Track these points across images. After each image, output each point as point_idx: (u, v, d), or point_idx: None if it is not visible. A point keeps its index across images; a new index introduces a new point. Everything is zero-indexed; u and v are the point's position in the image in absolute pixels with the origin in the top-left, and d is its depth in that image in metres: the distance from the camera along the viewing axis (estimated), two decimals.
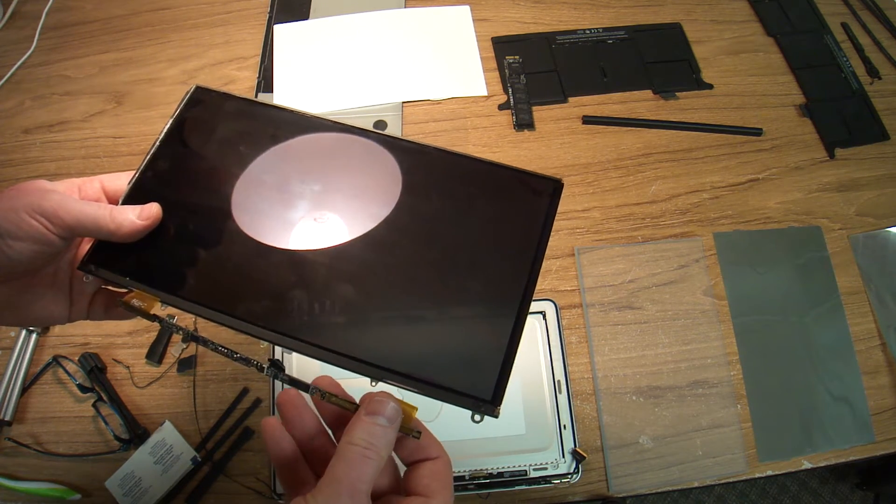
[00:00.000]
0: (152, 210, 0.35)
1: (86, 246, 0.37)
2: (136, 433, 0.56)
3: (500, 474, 0.55)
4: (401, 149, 0.39)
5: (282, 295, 0.34)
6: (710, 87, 0.75)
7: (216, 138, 0.39)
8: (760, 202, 0.68)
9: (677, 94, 0.75)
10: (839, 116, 0.74)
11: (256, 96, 0.74)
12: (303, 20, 0.79)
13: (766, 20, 0.81)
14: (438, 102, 0.73)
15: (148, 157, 0.37)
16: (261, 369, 0.33)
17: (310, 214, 0.36)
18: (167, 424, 0.56)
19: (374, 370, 0.31)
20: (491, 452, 0.56)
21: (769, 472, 0.57)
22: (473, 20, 0.79)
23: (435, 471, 0.31)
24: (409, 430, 0.31)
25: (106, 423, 0.56)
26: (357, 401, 0.32)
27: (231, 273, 0.35)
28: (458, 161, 0.38)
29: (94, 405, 0.56)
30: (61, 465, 0.56)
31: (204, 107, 0.40)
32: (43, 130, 0.72)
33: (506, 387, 0.30)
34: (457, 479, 0.54)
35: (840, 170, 0.71)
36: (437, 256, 0.34)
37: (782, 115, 0.74)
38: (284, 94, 0.73)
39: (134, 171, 0.37)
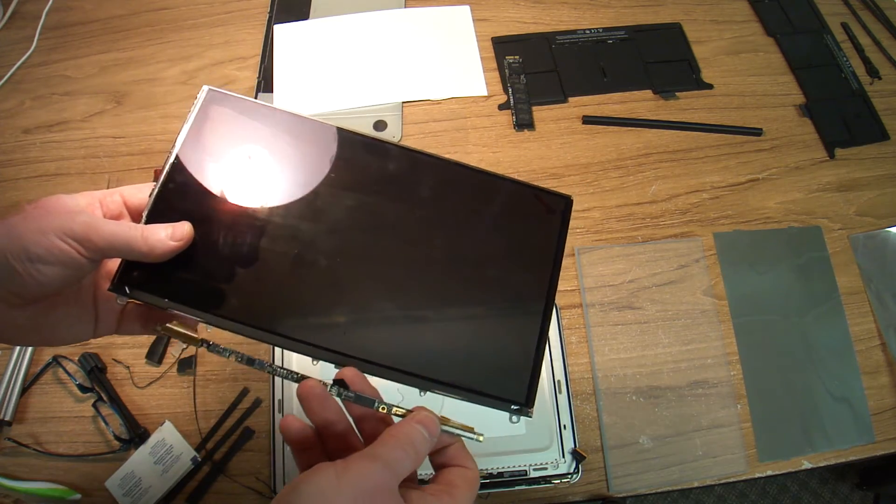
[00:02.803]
0: (184, 230, 0.33)
1: (109, 262, 0.36)
2: (136, 433, 0.56)
3: (500, 474, 0.55)
4: (421, 163, 0.39)
5: (328, 312, 0.34)
6: (710, 87, 0.75)
7: (233, 143, 0.38)
8: (760, 202, 0.68)
9: (677, 94, 0.75)
10: (839, 116, 0.74)
11: (256, 97, 0.74)
12: (303, 20, 0.79)
13: (766, 20, 0.81)
14: (438, 102, 0.73)
15: (167, 167, 0.36)
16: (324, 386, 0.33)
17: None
18: (167, 424, 0.56)
19: (423, 381, 0.34)
20: (491, 452, 0.56)
21: (769, 472, 0.57)
22: (473, 20, 0.79)
23: (464, 474, 0.32)
24: (472, 431, 0.33)
25: (106, 423, 0.56)
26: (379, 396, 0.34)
27: (270, 288, 0.34)
28: (475, 175, 0.39)
29: (94, 405, 0.56)
30: (61, 465, 0.56)
31: (218, 111, 0.38)
32: (43, 130, 0.72)
33: (536, 390, 0.34)
34: None
35: (840, 170, 0.71)
36: (464, 273, 0.37)
37: (782, 115, 0.74)
38: (284, 95, 0.73)
39: (154, 184, 0.36)
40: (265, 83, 0.74)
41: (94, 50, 0.78)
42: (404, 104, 0.73)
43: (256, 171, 0.37)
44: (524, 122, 0.72)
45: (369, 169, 0.38)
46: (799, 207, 0.68)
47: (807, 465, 0.57)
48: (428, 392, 0.34)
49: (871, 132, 0.73)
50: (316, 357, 0.34)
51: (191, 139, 0.37)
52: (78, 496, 0.55)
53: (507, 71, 0.76)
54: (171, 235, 0.33)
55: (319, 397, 0.33)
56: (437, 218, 0.37)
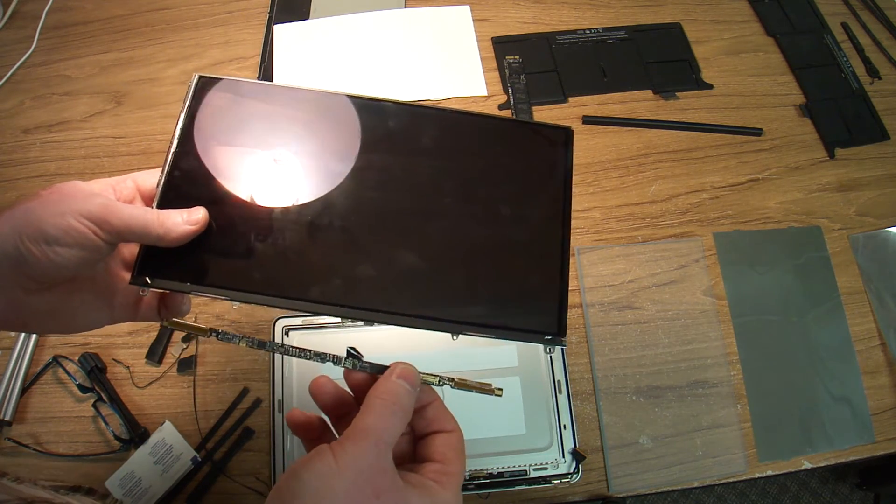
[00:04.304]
0: (199, 214, 0.34)
1: (124, 250, 0.36)
2: (136, 433, 0.56)
3: (501, 474, 0.55)
4: (422, 115, 0.39)
5: (352, 271, 0.35)
6: (710, 87, 0.75)
7: (230, 124, 0.38)
8: (760, 202, 0.68)
9: (677, 94, 0.75)
10: (839, 116, 0.74)
11: None
12: (303, 20, 0.79)
13: (766, 20, 0.81)
14: (438, 102, 0.73)
15: (170, 154, 0.36)
16: (337, 362, 0.33)
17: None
18: (167, 424, 0.56)
19: (455, 325, 0.34)
20: (491, 452, 0.56)
21: (769, 472, 0.57)
22: (473, 20, 0.79)
23: (450, 441, 0.33)
24: (490, 390, 0.34)
25: (106, 423, 0.56)
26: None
27: (291, 256, 0.35)
28: (477, 120, 0.40)
29: (94, 405, 0.56)
30: (61, 465, 0.56)
31: (212, 95, 0.39)
32: (43, 130, 0.72)
33: (566, 320, 0.35)
34: None
35: (840, 170, 0.71)
36: (481, 215, 0.37)
37: (782, 115, 0.74)
38: None
39: (161, 171, 0.36)
40: None
41: (94, 50, 0.78)
42: None
43: (256, 145, 0.37)
44: None
45: (370, 128, 0.38)
46: (799, 207, 0.68)
47: (807, 465, 0.57)
48: (460, 335, 0.35)
49: (871, 132, 0.73)
50: (346, 316, 0.34)
51: (188, 124, 0.37)
52: None
53: (507, 71, 0.76)
54: (186, 220, 0.33)
55: (331, 393, 0.34)
56: (446, 165, 0.38)
